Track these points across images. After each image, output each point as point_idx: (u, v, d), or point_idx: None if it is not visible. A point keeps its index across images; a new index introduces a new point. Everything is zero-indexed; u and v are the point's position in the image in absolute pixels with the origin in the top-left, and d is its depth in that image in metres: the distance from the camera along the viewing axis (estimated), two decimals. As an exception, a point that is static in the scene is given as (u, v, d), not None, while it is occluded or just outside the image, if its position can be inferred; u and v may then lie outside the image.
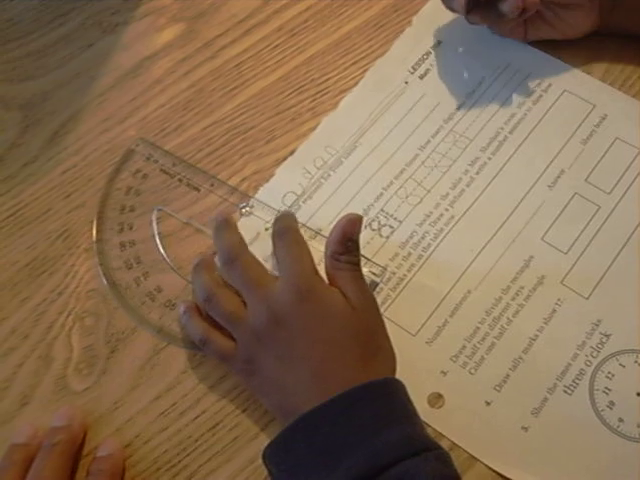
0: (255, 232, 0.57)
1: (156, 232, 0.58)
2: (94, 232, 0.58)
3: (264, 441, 0.50)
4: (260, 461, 0.49)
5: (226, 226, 0.54)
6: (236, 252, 0.52)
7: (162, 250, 0.57)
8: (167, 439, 0.51)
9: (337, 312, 0.49)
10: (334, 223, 0.52)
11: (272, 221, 0.55)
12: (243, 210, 0.58)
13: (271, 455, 0.46)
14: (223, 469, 0.50)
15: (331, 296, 0.49)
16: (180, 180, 0.60)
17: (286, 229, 0.52)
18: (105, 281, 0.56)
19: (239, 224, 0.56)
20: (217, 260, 0.53)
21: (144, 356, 0.54)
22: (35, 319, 0.55)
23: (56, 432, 0.50)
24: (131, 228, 0.58)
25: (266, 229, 0.57)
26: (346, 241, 0.50)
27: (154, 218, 0.58)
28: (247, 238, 0.54)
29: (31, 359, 0.54)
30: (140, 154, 0.60)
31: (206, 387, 0.53)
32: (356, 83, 0.65)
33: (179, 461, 0.51)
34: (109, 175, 0.60)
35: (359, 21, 0.68)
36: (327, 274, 0.51)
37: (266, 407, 0.51)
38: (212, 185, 0.59)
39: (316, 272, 0.50)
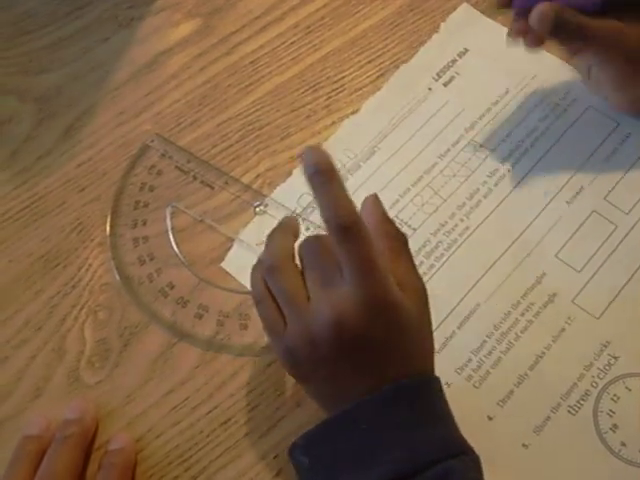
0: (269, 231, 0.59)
1: (170, 228, 0.60)
2: (108, 227, 0.61)
3: (276, 437, 0.53)
4: (272, 457, 0.52)
5: (284, 228, 0.51)
6: (278, 260, 0.48)
7: (175, 247, 0.60)
8: (179, 433, 0.54)
9: (407, 321, 0.46)
10: None
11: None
12: (257, 209, 0.61)
13: (307, 446, 0.47)
14: (234, 464, 0.52)
15: (403, 305, 0.46)
16: (194, 177, 0.62)
17: (349, 227, 0.44)
18: (118, 276, 0.58)
19: (253, 221, 0.59)
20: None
21: (157, 350, 0.56)
22: (49, 311, 0.58)
23: (68, 425, 0.53)
24: (145, 224, 0.61)
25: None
26: (386, 217, 0.49)
27: (168, 214, 0.61)
28: (260, 238, 0.56)
29: (44, 351, 0.57)
30: (155, 150, 0.63)
31: (219, 382, 0.55)
32: (371, 81, 0.67)
33: (191, 456, 0.53)
34: (124, 170, 0.63)
35: (375, 20, 0.71)
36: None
37: (306, 392, 0.51)
38: (226, 182, 0.62)
39: (389, 278, 0.45)
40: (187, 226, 0.61)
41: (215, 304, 0.58)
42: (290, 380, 0.55)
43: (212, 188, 0.62)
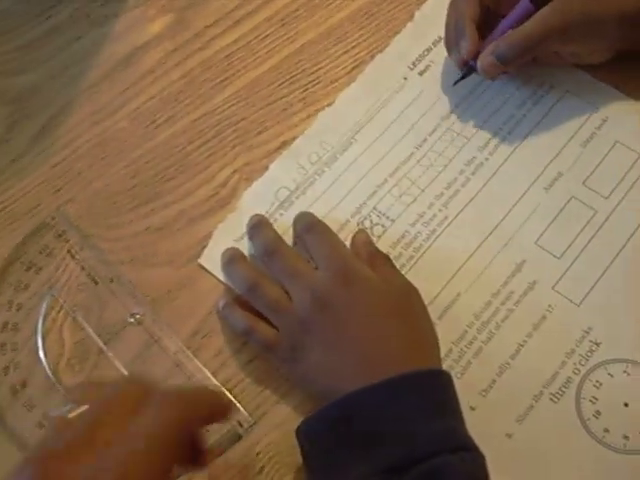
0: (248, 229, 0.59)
1: (41, 320, 0.56)
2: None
3: (258, 434, 0.52)
4: (254, 453, 0.51)
5: (261, 225, 0.57)
6: (275, 244, 0.55)
7: (40, 342, 0.56)
8: (160, 434, 0.52)
9: (383, 296, 0.50)
10: (327, 220, 0.55)
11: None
12: (131, 319, 0.56)
13: (307, 431, 0.48)
14: (217, 461, 0.51)
15: (374, 279, 0.51)
16: (82, 267, 0.58)
17: (312, 223, 0.56)
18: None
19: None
20: (256, 255, 0.56)
21: (135, 350, 0.55)
22: (26, 314, 0.57)
23: None
24: (19, 309, 0.57)
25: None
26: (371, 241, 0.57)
27: (44, 305, 0.57)
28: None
29: (23, 352, 0.55)
30: (54, 229, 0.59)
31: (198, 381, 0.54)
32: (347, 72, 0.66)
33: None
34: (14, 246, 0.59)
35: (350, 10, 0.69)
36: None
37: (310, 394, 0.52)
38: (111, 281, 0.58)
39: (354, 256, 0.53)
40: (58, 319, 0.57)
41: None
42: (271, 376, 0.54)
43: (96, 284, 0.58)
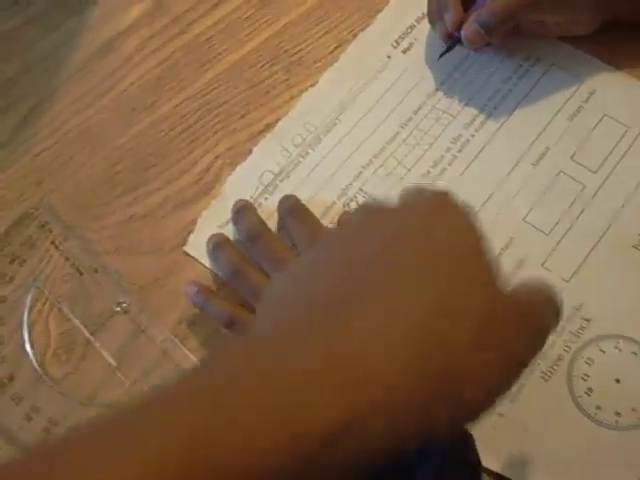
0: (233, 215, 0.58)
1: (26, 312, 0.56)
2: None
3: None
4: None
5: (244, 210, 0.56)
6: (257, 230, 0.54)
7: (26, 334, 0.55)
8: (149, 423, 0.52)
9: None
10: (312, 202, 0.55)
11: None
12: (118, 309, 0.56)
13: None
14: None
15: None
16: (66, 258, 0.57)
17: (293, 206, 0.56)
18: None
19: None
20: (240, 240, 0.56)
21: (122, 339, 0.55)
22: (11, 306, 0.56)
23: None
24: (4, 301, 0.56)
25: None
26: None
27: (29, 297, 0.56)
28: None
29: (9, 346, 0.55)
30: (37, 220, 0.58)
31: (186, 368, 0.53)
32: (330, 52, 0.65)
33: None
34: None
35: (331, -12, 0.68)
36: None
37: None
38: (96, 271, 0.57)
39: None
40: (45, 310, 0.56)
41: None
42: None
43: (80, 274, 0.57)
